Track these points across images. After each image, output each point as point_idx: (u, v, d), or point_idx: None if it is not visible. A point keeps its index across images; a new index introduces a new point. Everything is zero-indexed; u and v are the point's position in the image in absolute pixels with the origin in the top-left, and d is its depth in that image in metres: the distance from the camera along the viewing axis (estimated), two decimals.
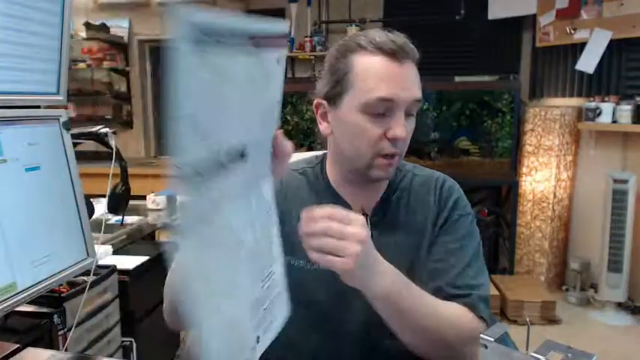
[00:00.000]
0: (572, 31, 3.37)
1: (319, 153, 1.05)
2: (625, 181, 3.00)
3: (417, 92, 0.85)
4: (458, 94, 3.59)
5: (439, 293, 0.85)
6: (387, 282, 0.75)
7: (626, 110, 3.09)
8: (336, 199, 0.94)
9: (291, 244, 0.88)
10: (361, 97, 0.84)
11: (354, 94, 0.85)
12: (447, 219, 0.94)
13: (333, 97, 0.88)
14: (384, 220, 0.94)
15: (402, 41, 0.85)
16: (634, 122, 3.07)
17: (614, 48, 3.21)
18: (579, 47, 3.36)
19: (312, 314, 0.90)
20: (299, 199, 0.94)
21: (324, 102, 0.90)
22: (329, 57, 0.91)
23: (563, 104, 3.53)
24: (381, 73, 0.83)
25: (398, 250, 0.91)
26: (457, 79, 3.73)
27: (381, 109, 0.83)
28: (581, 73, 3.40)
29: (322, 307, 0.91)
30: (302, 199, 0.94)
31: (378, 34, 0.86)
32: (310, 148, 2.95)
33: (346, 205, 0.93)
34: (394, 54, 0.83)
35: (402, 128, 0.83)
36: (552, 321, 3.02)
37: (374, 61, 0.84)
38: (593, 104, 3.25)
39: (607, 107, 3.18)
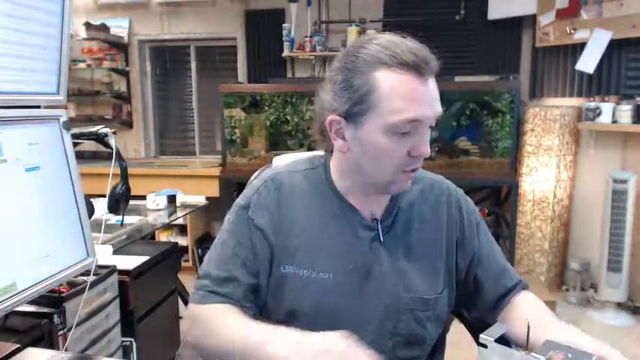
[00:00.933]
0: (572, 31, 3.37)
1: (317, 154, 1.03)
2: (625, 181, 3.00)
3: (440, 107, 0.84)
4: (458, 94, 3.59)
5: (514, 290, 0.96)
6: None
7: (626, 110, 3.09)
8: (344, 206, 0.94)
9: (294, 252, 0.91)
10: (387, 118, 0.80)
11: (378, 114, 0.81)
12: (469, 225, 0.99)
13: (353, 116, 0.84)
14: (394, 224, 0.95)
15: (424, 53, 0.82)
16: (634, 122, 3.07)
17: (614, 48, 3.21)
18: (579, 47, 3.36)
19: (316, 323, 0.89)
20: (302, 204, 0.94)
21: (342, 119, 0.85)
22: (342, 70, 0.85)
23: (563, 104, 3.53)
24: (408, 94, 0.80)
25: (411, 253, 0.93)
26: (457, 79, 3.73)
27: (407, 129, 0.81)
28: (581, 73, 3.40)
29: (326, 316, 0.90)
30: (306, 205, 0.94)
31: (398, 45, 0.82)
32: (310, 149, 2.95)
33: (354, 211, 0.93)
34: (418, 69, 0.80)
35: (427, 146, 0.83)
36: None
37: (399, 80, 0.80)
38: (593, 104, 3.25)
39: (607, 107, 3.18)
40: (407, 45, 0.82)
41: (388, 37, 0.84)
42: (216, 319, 0.86)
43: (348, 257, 0.91)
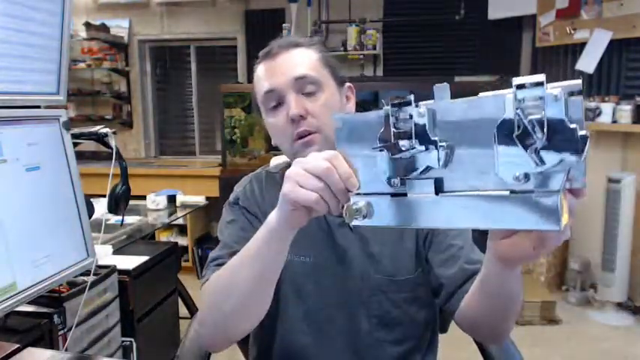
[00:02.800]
0: (572, 31, 3.37)
1: None
2: (618, 181, 3.00)
3: (296, 71, 0.89)
4: (458, 94, 3.58)
5: (462, 273, 0.89)
6: None
7: (626, 110, 3.09)
8: None
9: None
10: (260, 100, 0.94)
11: (259, 101, 0.95)
12: None
13: (260, 112, 0.98)
14: None
15: (284, 39, 0.93)
16: (634, 122, 3.07)
17: (614, 48, 3.21)
18: (579, 47, 3.36)
19: (296, 306, 0.94)
20: (275, 198, 0.95)
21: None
22: None
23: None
24: (261, 74, 0.93)
25: (381, 236, 0.94)
26: (457, 79, 3.73)
27: (273, 101, 0.90)
28: (581, 72, 3.40)
29: (306, 297, 0.93)
30: (277, 197, 0.95)
31: (272, 42, 0.94)
32: None
33: None
34: (268, 54, 0.92)
35: (293, 106, 0.88)
36: (552, 321, 3.02)
37: (257, 69, 0.94)
38: (593, 104, 3.25)
39: (607, 107, 3.18)
40: (276, 40, 0.95)
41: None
42: (220, 270, 0.84)
43: (323, 242, 0.94)
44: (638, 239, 3.05)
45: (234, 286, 0.77)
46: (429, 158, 0.51)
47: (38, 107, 1.01)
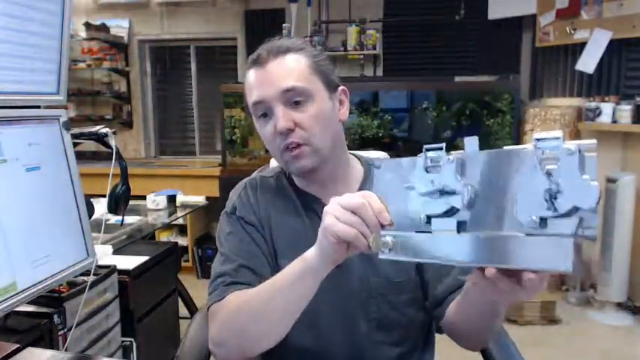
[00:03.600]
0: (572, 31, 3.37)
1: None
2: (614, 181, 3.00)
3: (283, 84, 0.88)
4: (458, 94, 3.59)
5: (454, 283, 0.89)
6: None
7: (626, 110, 3.09)
8: (308, 199, 0.97)
9: (283, 247, 0.94)
10: (249, 107, 0.94)
11: (249, 107, 0.94)
12: None
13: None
14: None
15: (272, 44, 0.92)
16: (634, 122, 3.07)
17: (614, 48, 3.21)
18: (579, 47, 3.36)
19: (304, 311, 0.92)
20: (274, 203, 0.99)
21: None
22: None
23: (563, 104, 3.53)
24: (250, 82, 0.92)
25: None
26: (457, 79, 3.73)
27: (261, 111, 0.91)
28: (581, 73, 3.40)
29: (312, 302, 0.90)
30: (278, 204, 0.99)
31: (262, 47, 0.93)
32: None
33: (319, 203, 0.94)
34: (257, 60, 0.91)
35: (280, 120, 0.87)
36: (552, 321, 3.02)
37: (248, 75, 0.93)
38: (593, 104, 3.25)
39: (607, 107, 3.18)
40: (267, 44, 0.93)
41: (268, 41, 0.96)
42: (245, 295, 0.84)
43: None
44: (638, 239, 3.05)
45: (263, 315, 0.80)
46: (454, 200, 0.57)
47: (38, 107, 1.01)
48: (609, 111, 3.17)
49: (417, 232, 0.61)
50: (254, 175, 1.07)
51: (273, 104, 0.88)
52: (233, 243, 0.94)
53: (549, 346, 2.77)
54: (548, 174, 0.49)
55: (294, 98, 0.88)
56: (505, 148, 0.55)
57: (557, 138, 0.49)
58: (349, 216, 0.67)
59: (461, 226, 0.57)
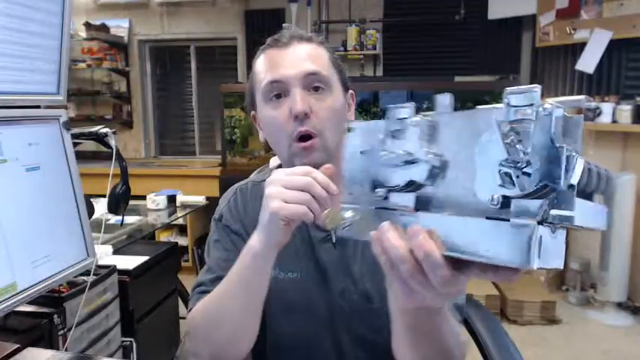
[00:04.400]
0: (572, 31, 3.37)
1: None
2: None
3: (307, 67, 0.84)
4: (458, 94, 3.58)
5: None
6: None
7: (626, 110, 3.09)
8: None
9: None
10: (259, 87, 0.87)
11: (258, 90, 0.89)
12: None
13: (252, 102, 0.93)
14: None
15: (293, 31, 0.89)
16: (634, 122, 3.07)
17: (614, 48, 3.21)
18: (579, 47, 3.36)
19: (293, 324, 0.89)
20: (258, 212, 0.92)
21: (253, 111, 0.94)
22: None
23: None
24: (266, 62, 0.87)
25: (363, 253, 0.88)
26: (457, 79, 3.73)
27: (275, 92, 0.85)
28: (581, 73, 3.40)
29: (296, 315, 0.89)
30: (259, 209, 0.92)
31: (280, 33, 0.90)
32: None
33: None
34: (278, 42, 0.87)
35: (298, 102, 0.82)
36: (552, 321, 3.02)
37: (264, 55, 0.89)
38: (593, 104, 3.25)
39: (607, 107, 3.18)
40: (284, 32, 0.89)
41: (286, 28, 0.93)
42: (206, 301, 0.82)
43: (307, 257, 0.90)
44: (638, 239, 3.05)
45: (222, 317, 0.78)
46: (415, 171, 0.47)
47: (38, 107, 1.00)
48: (609, 111, 3.17)
49: (376, 208, 0.51)
50: (246, 180, 1.02)
51: (292, 86, 0.83)
52: (217, 252, 0.92)
53: (549, 346, 2.77)
54: (515, 140, 0.38)
55: (315, 83, 0.84)
56: (479, 107, 0.44)
57: (533, 91, 0.38)
58: (297, 194, 0.65)
59: (420, 203, 0.47)
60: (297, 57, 0.85)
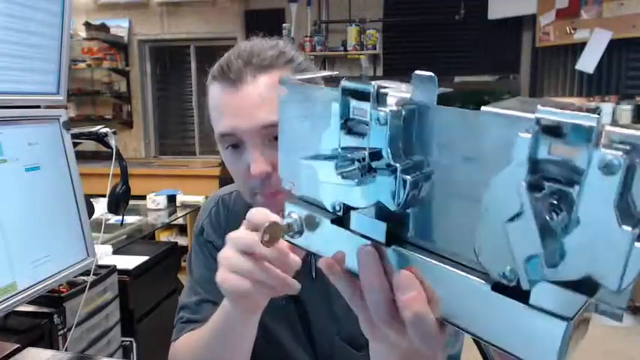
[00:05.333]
0: (572, 31, 3.37)
1: None
2: None
3: (263, 117, 0.66)
4: (458, 94, 3.58)
5: None
6: None
7: (626, 110, 3.10)
8: None
9: None
10: (215, 132, 0.72)
11: (213, 126, 0.73)
12: None
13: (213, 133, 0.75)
14: None
15: (252, 53, 0.70)
16: (634, 122, 3.07)
17: (614, 48, 3.21)
18: (579, 47, 3.36)
19: (272, 351, 0.83)
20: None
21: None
22: None
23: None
24: (219, 105, 0.70)
25: None
26: (457, 79, 3.73)
27: (230, 143, 0.71)
28: (581, 72, 3.40)
29: (283, 343, 0.83)
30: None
31: (232, 51, 0.73)
32: None
33: None
34: (227, 77, 0.69)
35: (256, 164, 0.67)
36: None
37: (214, 90, 0.71)
38: (593, 104, 3.25)
39: (607, 107, 3.18)
40: (237, 49, 0.73)
41: (243, 43, 0.75)
42: (190, 341, 0.79)
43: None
44: None
45: None
46: (383, 189, 0.32)
47: (38, 107, 1.00)
48: (609, 111, 3.17)
49: (332, 221, 0.38)
50: (230, 188, 0.91)
51: (247, 140, 0.68)
52: (199, 271, 0.86)
53: None
54: (555, 190, 0.25)
55: (276, 134, 0.69)
56: (485, 108, 0.30)
57: (591, 119, 0.23)
58: (242, 263, 0.53)
59: (394, 238, 0.34)
60: (250, 103, 0.67)
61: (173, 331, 0.85)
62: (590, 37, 3.26)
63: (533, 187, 0.25)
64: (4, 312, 0.86)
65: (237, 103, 0.68)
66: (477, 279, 0.30)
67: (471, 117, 0.31)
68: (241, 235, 0.53)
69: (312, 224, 0.40)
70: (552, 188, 0.25)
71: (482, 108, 0.30)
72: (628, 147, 0.23)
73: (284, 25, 4.01)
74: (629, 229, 0.23)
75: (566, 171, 0.25)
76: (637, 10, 3.05)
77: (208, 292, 0.83)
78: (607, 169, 0.23)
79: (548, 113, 0.24)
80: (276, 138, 0.62)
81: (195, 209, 2.77)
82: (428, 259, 0.33)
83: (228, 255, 0.54)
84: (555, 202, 0.25)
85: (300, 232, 0.40)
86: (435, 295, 0.33)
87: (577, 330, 0.30)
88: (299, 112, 0.39)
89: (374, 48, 4.07)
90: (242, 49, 0.72)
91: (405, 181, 0.31)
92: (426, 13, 4.00)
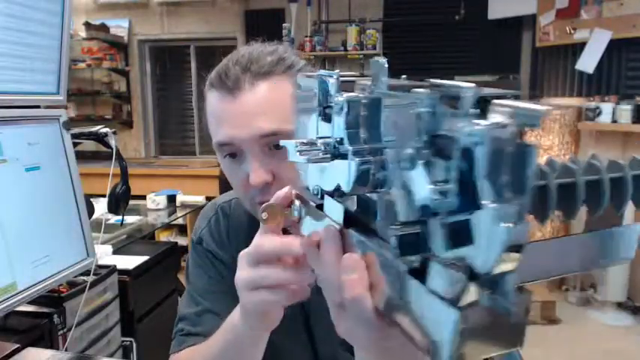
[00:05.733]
0: (572, 31, 3.37)
1: None
2: None
3: (261, 125, 0.65)
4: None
5: None
6: None
7: (626, 110, 3.09)
8: None
9: None
10: (214, 141, 0.71)
11: (211, 135, 0.72)
12: None
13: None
14: None
15: (250, 59, 0.68)
16: (634, 122, 3.07)
17: (614, 48, 3.21)
18: (579, 47, 3.36)
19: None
20: (246, 234, 0.80)
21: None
22: None
23: (563, 104, 3.54)
24: (217, 114, 0.69)
25: None
26: (457, 79, 3.73)
27: (228, 152, 0.69)
28: (581, 72, 3.40)
29: (287, 352, 0.81)
30: (248, 234, 0.70)
31: (230, 57, 0.71)
32: None
33: None
34: (224, 84, 0.67)
35: (256, 174, 0.66)
36: (552, 321, 3.02)
37: (212, 98, 0.69)
38: (593, 104, 3.25)
39: (607, 107, 3.18)
40: (235, 55, 0.70)
41: (242, 49, 0.72)
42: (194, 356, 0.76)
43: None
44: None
45: None
46: (340, 172, 0.34)
47: (38, 107, 1.00)
48: (609, 111, 3.17)
49: (317, 206, 0.41)
50: (229, 196, 0.89)
51: (246, 149, 0.67)
52: (200, 280, 0.84)
53: (549, 346, 2.77)
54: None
55: (275, 142, 0.66)
56: (416, 90, 0.29)
57: (468, 87, 0.26)
58: (261, 273, 0.50)
59: (348, 220, 0.37)
60: (249, 112, 0.65)
61: (172, 342, 0.83)
62: (590, 37, 3.26)
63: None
64: (4, 312, 0.86)
65: (235, 112, 0.67)
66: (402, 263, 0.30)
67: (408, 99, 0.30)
68: (250, 250, 0.51)
69: (311, 212, 0.43)
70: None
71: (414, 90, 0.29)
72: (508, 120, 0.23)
73: (284, 25, 4.01)
74: (489, 203, 0.23)
75: (448, 142, 0.25)
76: (637, 10, 3.05)
77: (209, 302, 0.81)
78: (474, 139, 0.23)
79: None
80: (275, 146, 0.66)
81: (195, 209, 2.77)
82: (370, 244, 0.34)
83: (242, 275, 0.52)
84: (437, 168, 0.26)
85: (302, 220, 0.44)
86: (381, 283, 0.33)
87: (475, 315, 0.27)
88: (303, 105, 0.42)
89: (374, 48, 4.07)
90: (240, 55, 0.70)
91: (355, 164, 0.32)
92: (426, 13, 4.01)
